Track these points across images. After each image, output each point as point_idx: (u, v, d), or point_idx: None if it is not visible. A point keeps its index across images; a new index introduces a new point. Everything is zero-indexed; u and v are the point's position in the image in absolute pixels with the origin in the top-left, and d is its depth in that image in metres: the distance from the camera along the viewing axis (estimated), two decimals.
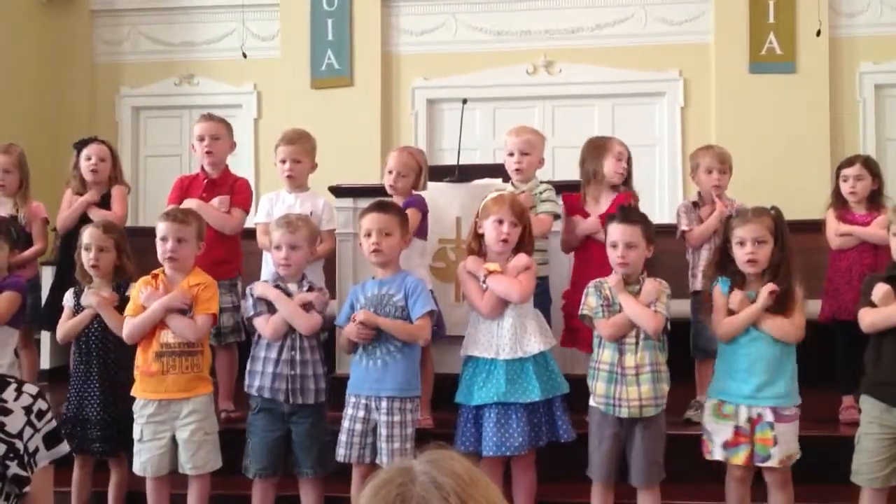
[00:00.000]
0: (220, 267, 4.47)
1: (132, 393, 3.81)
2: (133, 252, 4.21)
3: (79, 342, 4.02)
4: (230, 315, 4.62)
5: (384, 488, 1.23)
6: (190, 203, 4.48)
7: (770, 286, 3.48)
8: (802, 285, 3.59)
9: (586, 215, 4.41)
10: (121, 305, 3.96)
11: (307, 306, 3.78)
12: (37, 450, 1.51)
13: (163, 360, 3.74)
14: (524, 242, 3.82)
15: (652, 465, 3.58)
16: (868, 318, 3.51)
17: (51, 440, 1.54)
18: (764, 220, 3.58)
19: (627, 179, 4.51)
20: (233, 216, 4.66)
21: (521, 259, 3.75)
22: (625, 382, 3.56)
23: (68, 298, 4.07)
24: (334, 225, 4.61)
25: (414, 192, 4.44)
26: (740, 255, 3.58)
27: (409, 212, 4.16)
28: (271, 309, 3.80)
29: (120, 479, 4.01)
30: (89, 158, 4.95)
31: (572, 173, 4.79)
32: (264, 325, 3.79)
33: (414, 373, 3.76)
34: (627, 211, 3.74)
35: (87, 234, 4.07)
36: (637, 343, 3.57)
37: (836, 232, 4.63)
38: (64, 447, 1.57)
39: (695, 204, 4.70)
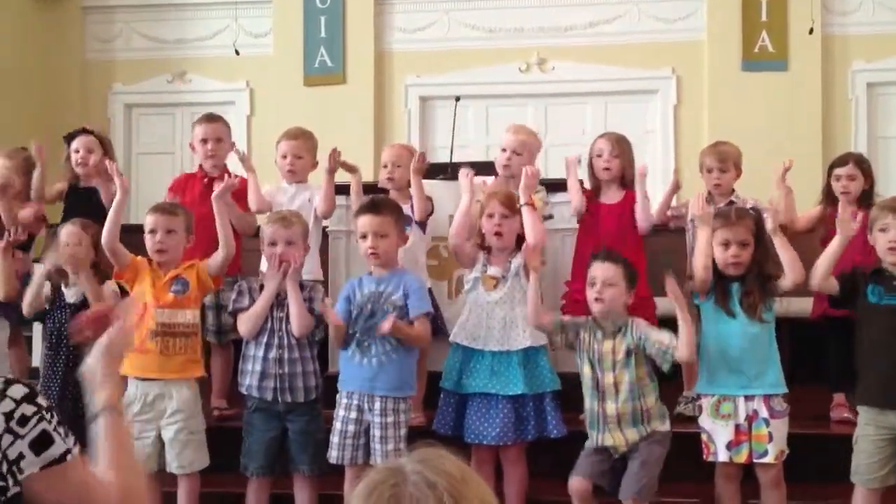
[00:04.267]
0: None
1: (122, 372, 3.79)
2: (126, 248, 4.18)
3: (50, 336, 4.02)
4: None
5: (376, 490, 1.23)
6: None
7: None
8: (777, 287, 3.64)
9: (597, 206, 4.44)
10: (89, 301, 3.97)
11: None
12: (21, 456, 1.46)
13: (157, 339, 3.73)
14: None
15: (639, 480, 3.50)
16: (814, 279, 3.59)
17: (39, 445, 1.49)
18: (746, 222, 3.61)
19: (625, 173, 4.50)
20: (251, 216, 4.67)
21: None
22: (608, 430, 3.54)
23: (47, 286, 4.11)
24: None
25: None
26: (723, 256, 3.59)
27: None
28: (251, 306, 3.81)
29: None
30: (77, 151, 4.95)
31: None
32: (242, 321, 3.81)
33: (410, 373, 3.77)
34: (612, 253, 3.69)
35: (65, 232, 4.08)
36: (617, 392, 3.52)
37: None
38: (55, 450, 1.52)
39: (708, 201, 4.66)
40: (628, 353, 3.54)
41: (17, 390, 1.49)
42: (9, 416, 1.46)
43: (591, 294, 3.59)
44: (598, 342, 3.59)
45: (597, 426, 3.56)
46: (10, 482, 1.44)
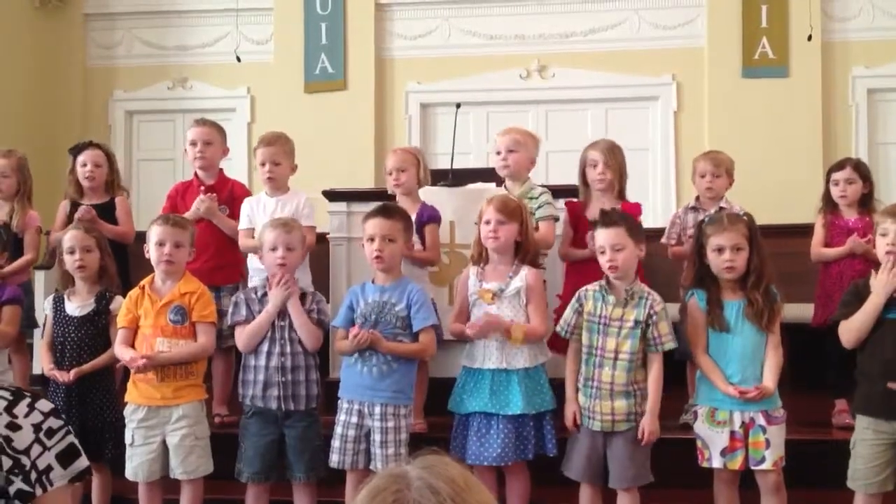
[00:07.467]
0: (223, 271, 4.56)
1: (126, 398, 3.81)
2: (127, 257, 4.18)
3: (54, 350, 3.98)
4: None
5: (379, 495, 1.23)
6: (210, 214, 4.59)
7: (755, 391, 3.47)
8: (781, 292, 3.61)
9: (587, 223, 4.39)
10: (97, 318, 3.96)
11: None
12: (49, 468, 1.51)
13: (158, 367, 3.72)
14: (526, 249, 3.80)
15: (629, 469, 3.54)
16: (846, 335, 3.55)
17: (66, 458, 1.54)
18: (739, 226, 3.58)
19: (621, 184, 4.50)
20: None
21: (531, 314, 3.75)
22: (599, 396, 3.55)
23: (47, 306, 4.07)
24: (313, 222, 4.56)
25: (423, 203, 4.44)
26: (718, 262, 3.56)
27: (429, 228, 4.32)
28: (248, 319, 3.81)
29: (103, 482, 3.97)
30: (85, 165, 4.92)
31: (566, 178, 4.78)
32: (240, 335, 3.81)
33: (409, 382, 3.76)
34: (608, 214, 3.69)
35: (70, 237, 4.04)
36: (616, 359, 3.55)
37: (816, 256, 4.69)
38: (81, 462, 1.56)
39: (694, 209, 4.69)
40: (636, 323, 3.55)
41: (44, 404, 1.55)
42: (37, 427, 1.51)
43: (603, 262, 3.58)
44: (607, 307, 3.59)
45: (589, 392, 3.57)
46: (39, 491, 1.48)
